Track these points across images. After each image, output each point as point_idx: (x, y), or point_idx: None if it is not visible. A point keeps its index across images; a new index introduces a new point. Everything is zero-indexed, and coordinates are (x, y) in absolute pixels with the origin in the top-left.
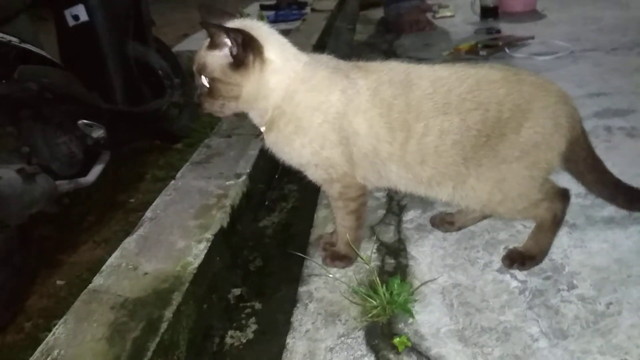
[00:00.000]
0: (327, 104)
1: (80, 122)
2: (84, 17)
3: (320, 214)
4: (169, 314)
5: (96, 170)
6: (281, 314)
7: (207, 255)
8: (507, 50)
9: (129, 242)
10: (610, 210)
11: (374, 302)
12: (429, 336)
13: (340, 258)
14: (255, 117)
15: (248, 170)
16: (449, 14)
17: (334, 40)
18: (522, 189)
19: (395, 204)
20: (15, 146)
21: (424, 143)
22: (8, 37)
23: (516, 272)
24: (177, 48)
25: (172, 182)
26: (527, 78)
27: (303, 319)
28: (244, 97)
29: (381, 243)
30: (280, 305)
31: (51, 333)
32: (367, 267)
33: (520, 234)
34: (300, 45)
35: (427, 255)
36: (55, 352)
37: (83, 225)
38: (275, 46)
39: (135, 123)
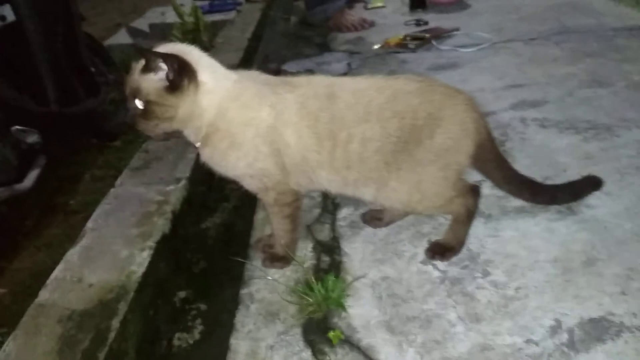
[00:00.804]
0: (258, 119)
1: (13, 128)
2: (11, 17)
3: (259, 216)
4: (116, 323)
5: (32, 175)
6: (226, 314)
7: (151, 263)
8: (434, 42)
9: (72, 254)
10: (521, 200)
11: (310, 300)
12: (360, 328)
13: (278, 259)
14: (189, 134)
15: (188, 175)
16: (380, 4)
17: (270, 32)
18: (438, 188)
19: (330, 202)
20: None
21: (349, 150)
22: None
23: (438, 262)
24: (110, 41)
25: (112, 190)
26: (438, 88)
27: (245, 320)
28: (179, 117)
29: (317, 242)
30: (224, 305)
31: (2, 349)
32: (304, 266)
33: (442, 226)
34: (236, 38)
35: (359, 251)
36: None
37: (22, 231)
38: (207, 68)
39: (70, 124)
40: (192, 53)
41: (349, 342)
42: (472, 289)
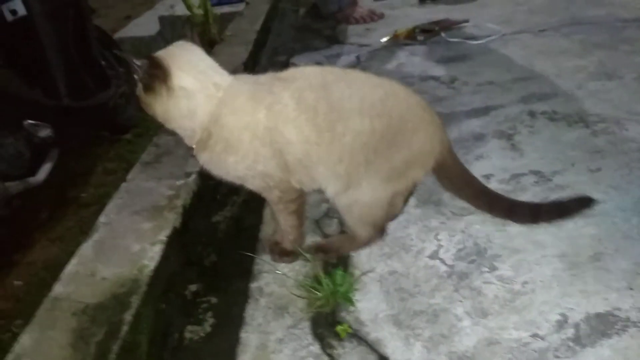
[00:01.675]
0: (254, 123)
1: (25, 122)
2: (22, 11)
3: (269, 210)
4: (129, 317)
5: (45, 169)
6: (236, 307)
7: (162, 257)
8: (443, 34)
9: (85, 248)
10: (529, 194)
11: (319, 294)
12: (368, 322)
13: (287, 254)
14: (182, 135)
15: (198, 169)
16: None
17: (279, 24)
18: (386, 199)
19: None
20: None
21: (343, 143)
22: None
23: (445, 257)
24: (120, 34)
25: (123, 184)
26: (421, 101)
27: (255, 314)
28: (159, 116)
29: (325, 236)
30: (234, 298)
31: (16, 342)
32: (311, 261)
33: (449, 220)
34: (245, 31)
35: None
36: None
37: (35, 225)
38: (190, 73)
39: (82, 118)
40: (179, 55)
41: (357, 336)
42: (479, 283)
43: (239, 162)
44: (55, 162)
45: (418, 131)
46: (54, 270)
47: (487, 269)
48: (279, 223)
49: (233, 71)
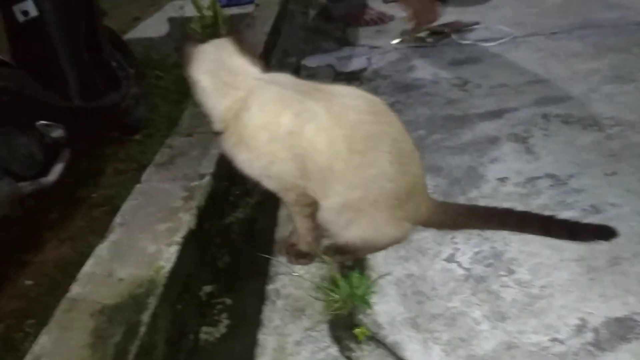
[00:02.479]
0: (276, 124)
1: (38, 123)
2: (33, 12)
3: (284, 211)
4: (146, 317)
5: (57, 169)
6: (251, 308)
7: (178, 258)
8: (453, 36)
9: (102, 249)
10: (545, 197)
11: (336, 296)
12: (385, 325)
13: (303, 256)
14: (212, 121)
15: (212, 170)
16: None
17: (288, 26)
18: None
19: None
20: None
21: (367, 173)
22: None
23: (462, 260)
24: (130, 35)
25: (138, 185)
26: None
27: (272, 316)
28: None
29: None
30: (249, 300)
31: (35, 342)
32: (328, 263)
33: None
34: (255, 33)
35: None
36: None
37: (47, 224)
38: (206, 67)
39: (92, 118)
40: (208, 51)
41: (375, 339)
42: (496, 287)
43: (253, 161)
44: (66, 162)
45: (416, 195)
46: (65, 270)
47: (504, 273)
48: (295, 225)
49: None
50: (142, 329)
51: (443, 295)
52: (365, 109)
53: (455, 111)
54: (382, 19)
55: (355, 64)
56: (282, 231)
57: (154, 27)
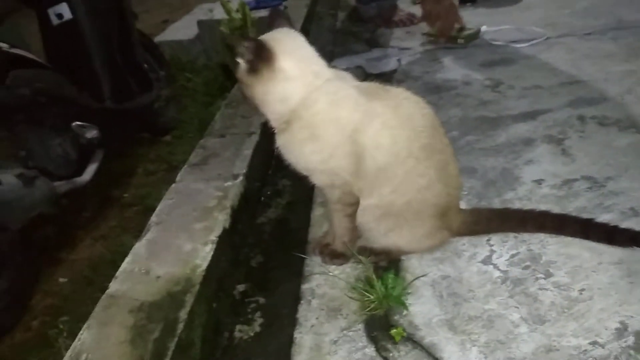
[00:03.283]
0: (346, 120)
1: (73, 124)
2: (67, 15)
3: (317, 212)
4: (183, 314)
5: (91, 169)
6: (284, 307)
7: (214, 257)
8: (486, 38)
9: (139, 247)
10: (582, 200)
11: (371, 297)
12: (422, 326)
13: (337, 256)
14: (270, 117)
15: (244, 171)
16: None
17: (317, 28)
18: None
19: None
20: (12, 151)
21: (414, 181)
22: None
23: (498, 262)
24: (159, 38)
25: (173, 185)
26: None
27: (308, 315)
28: (256, 97)
29: None
30: (282, 299)
31: (77, 338)
32: (363, 264)
33: None
34: None
35: None
36: (83, 356)
37: (80, 223)
38: (294, 57)
39: (124, 120)
40: (283, 40)
41: (412, 340)
42: (534, 289)
43: (315, 153)
44: (100, 162)
45: (452, 209)
46: (98, 268)
47: (542, 275)
48: (332, 224)
49: None
50: (180, 326)
51: (480, 298)
52: (431, 123)
53: (489, 112)
54: (411, 20)
55: (386, 66)
56: (315, 231)
57: (183, 29)
